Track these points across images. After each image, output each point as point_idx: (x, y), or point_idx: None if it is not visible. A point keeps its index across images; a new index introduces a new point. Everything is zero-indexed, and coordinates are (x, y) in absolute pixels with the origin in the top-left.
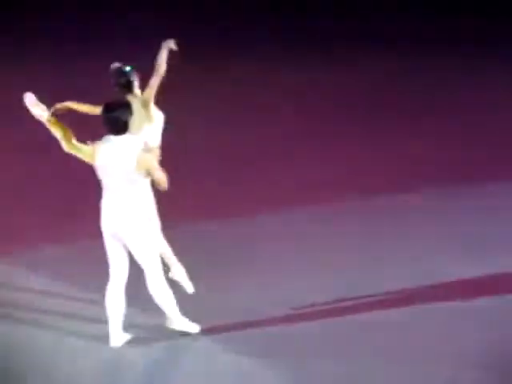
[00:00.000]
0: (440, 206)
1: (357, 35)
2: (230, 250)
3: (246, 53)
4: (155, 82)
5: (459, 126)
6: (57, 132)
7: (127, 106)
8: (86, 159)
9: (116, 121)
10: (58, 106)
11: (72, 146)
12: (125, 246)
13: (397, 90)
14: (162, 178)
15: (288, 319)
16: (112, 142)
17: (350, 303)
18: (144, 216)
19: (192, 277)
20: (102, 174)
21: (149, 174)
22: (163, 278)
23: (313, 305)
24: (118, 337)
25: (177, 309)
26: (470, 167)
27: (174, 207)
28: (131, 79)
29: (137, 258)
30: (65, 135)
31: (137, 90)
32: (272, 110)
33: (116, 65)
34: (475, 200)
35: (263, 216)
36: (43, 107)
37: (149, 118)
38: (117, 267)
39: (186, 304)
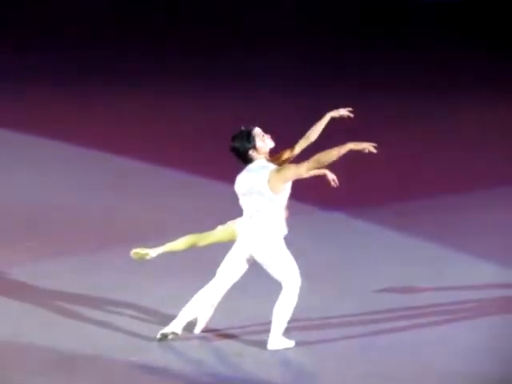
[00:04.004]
0: None
1: None
2: None
3: None
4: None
5: None
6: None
7: (243, 136)
8: None
9: (236, 151)
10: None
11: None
12: (246, 266)
13: None
14: (310, 164)
15: None
16: (248, 168)
17: None
18: (281, 237)
19: None
20: (241, 199)
21: (286, 181)
22: (295, 299)
23: None
24: (178, 327)
25: (281, 329)
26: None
27: None
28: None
29: (275, 276)
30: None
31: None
32: None
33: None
34: None
35: None
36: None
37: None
38: (224, 283)
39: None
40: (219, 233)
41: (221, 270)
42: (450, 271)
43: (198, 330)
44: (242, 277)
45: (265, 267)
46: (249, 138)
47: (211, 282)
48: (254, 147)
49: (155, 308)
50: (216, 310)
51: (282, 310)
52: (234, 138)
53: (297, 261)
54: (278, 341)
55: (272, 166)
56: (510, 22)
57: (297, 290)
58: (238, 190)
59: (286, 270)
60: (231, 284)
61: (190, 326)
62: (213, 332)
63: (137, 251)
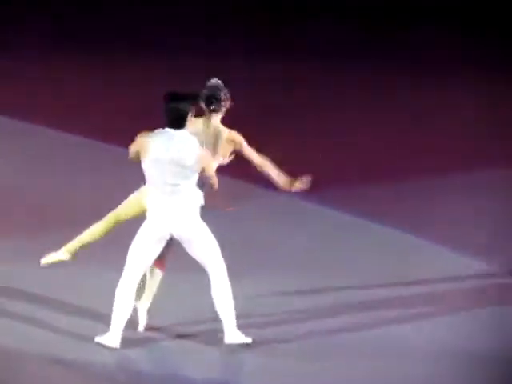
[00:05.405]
0: None
1: None
2: None
3: None
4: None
5: None
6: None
7: (190, 98)
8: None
9: (175, 112)
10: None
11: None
12: (159, 249)
13: None
14: (215, 176)
15: None
16: (169, 135)
17: None
18: (199, 214)
19: None
20: (154, 169)
21: (204, 171)
22: (228, 282)
23: None
24: (117, 338)
25: (234, 319)
26: None
27: None
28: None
29: (200, 260)
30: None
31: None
32: None
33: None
34: None
35: None
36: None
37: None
38: (139, 268)
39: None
40: (130, 207)
41: (131, 256)
42: (414, 259)
43: (141, 328)
44: (175, 270)
45: (186, 246)
46: (196, 100)
47: (124, 273)
48: (192, 112)
49: (93, 300)
50: (157, 307)
51: (224, 299)
52: (175, 97)
53: (254, 250)
54: (234, 334)
55: (196, 142)
56: None
57: (225, 272)
58: (159, 157)
59: (210, 248)
60: (146, 268)
61: (132, 323)
62: (156, 330)
63: (46, 261)
